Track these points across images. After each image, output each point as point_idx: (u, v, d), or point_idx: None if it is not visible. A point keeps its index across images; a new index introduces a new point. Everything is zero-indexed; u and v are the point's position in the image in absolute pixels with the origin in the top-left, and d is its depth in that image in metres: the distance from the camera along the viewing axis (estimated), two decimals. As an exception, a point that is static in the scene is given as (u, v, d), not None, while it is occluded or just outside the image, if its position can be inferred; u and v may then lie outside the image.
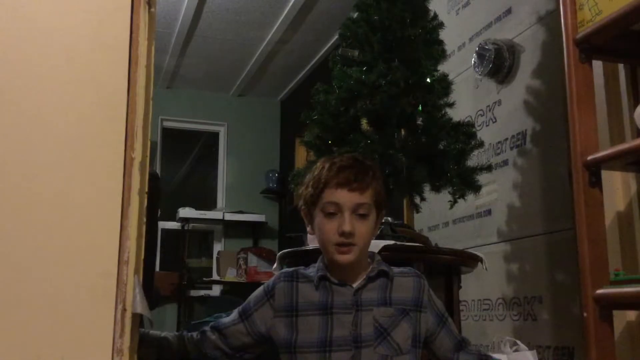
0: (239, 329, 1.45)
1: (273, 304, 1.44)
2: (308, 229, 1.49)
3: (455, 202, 2.22)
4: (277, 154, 6.30)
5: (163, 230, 5.74)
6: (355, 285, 1.42)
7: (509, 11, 2.83)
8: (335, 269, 1.44)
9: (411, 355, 1.39)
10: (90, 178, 1.08)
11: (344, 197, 1.39)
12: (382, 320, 1.39)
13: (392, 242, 1.96)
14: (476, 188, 2.21)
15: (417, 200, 2.24)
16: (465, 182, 2.19)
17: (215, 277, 5.76)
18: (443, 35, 2.33)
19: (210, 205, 6.14)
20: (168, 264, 5.67)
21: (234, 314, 1.48)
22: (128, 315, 1.05)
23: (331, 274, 1.44)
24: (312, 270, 1.48)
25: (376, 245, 1.87)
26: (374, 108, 2.15)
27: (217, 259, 5.78)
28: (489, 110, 2.90)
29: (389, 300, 1.42)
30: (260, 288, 1.48)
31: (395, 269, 1.48)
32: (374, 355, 1.36)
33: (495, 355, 1.57)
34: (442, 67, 2.33)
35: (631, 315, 1.97)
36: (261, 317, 1.44)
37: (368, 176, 1.41)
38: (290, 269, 1.50)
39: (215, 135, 6.29)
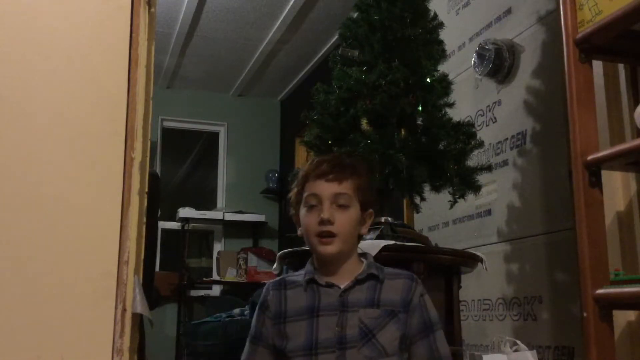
0: (261, 352, 1.46)
1: (269, 315, 1.46)
2: (299, 232, 1.50)
3: (455, 202, 2.22)
4: (277, 154, 6.30)
5: (163, 230, 5.74)
6: (343, 286, 1.42)
7: (509, 11, 2.83)
8: (323, 266, 1.45)
9: (397, 357, 1.38)
10: (90, 178, 1.08)
11: (322, 187, 1.42)
12: (367, 321, 1.38)
13: (392, 242, 1.96)
14: (476, 188, 2.21)
15: (417, 200, 2.24)
16: (465, 182, 2.19)
17: (215, 277, 5.76)
18: (443, 35, 2.33)
19: (210, 205, 6.14)
20: (168, 264, 5.67)
21: (247, 345, 1.50)
22: (128, 315, 1.05)
23: (320, 274, 1.45)
24: (299, 274, 1.49)
25: (376, 245, 1.87)
26: (374, 108, 2.15)
27: (217, 259, 5.78)
28: (489, 110, 2.90)
29: (376, 302, 1.41)
30: (256, 309, 1.51)
31: (390, 270, 1.48)
32: (358, 356, 1.35)
33: (495, 356, 1.56)
34: (442, 67, 2.33)
35: (631, 315, 1.97)
36: (268, 331, 1.46)
37: (346, 169, 1.44)
38: (277, 278, 1.52)
39: (215, 135, 6.29)
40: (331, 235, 1.40)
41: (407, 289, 1.43)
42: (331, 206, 1.40)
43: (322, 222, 1.39)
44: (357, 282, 1.42)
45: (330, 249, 1.40)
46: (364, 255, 1.52)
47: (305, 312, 1.41)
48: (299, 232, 1.49)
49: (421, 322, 1.42)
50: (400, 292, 1.43)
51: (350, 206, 1.42)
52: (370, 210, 1.49)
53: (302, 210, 1.44)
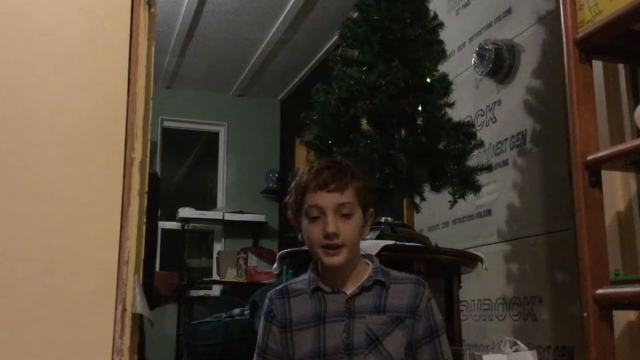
0: None
1: (276, 324, 1.44)
2: (299, 236, 1.49)
3: (455, 202, 2.21)
4: (277, 154, 6.30)
5: (163, 230, 5.73)
6: (349, 292, 1.42)
7: (509, 11, 2.83)
8: (328, 273, 1.44)
9: None
10: (90, 178, 1.08)
11: (324, 198, 1.38)
12: (374, 327, 1.37)
13: (392, 242, 1.96)
14: (476, 188, 2.21)
15: (417, 200, 2.24)
16: (465, 182, 2.19)
17: (215, 277, 5.75)
18: (443, 35, 2.33)
19: (210, 205, 6.13)
20: (168, 264, 5.67)
21: (255, 358, 1.47)
22: (128, 315, 1.05)
23: (324, 281, 1.43)
24: (301, 280, 1.48)
25: (376, 245, 1.87)
26: (374, 108, 2.15)
27: (217, 259, 5.78)
28: (489, 110, 2.90)
29: (382, 308, 1.40)
30: (261, 319, 1.49)
31: (396, 274, 1.47)
32: None
33: (495, 356, 1.56)
34: (442, 67, 2.33)
35: (631, 315, 1.97)
36: (276, 341, 1.44)
37: (346, 176, 1.41)
38: (279, 287, 1.50)
39: (215, 135, 6.29)
40: (337, 246, 1.38)
41: (414, 295, 1.42)
42: (335, 217, 1.38)
43: (328, 235, 1.37)
44: (364, 288, 1.42)
45: (337, 259, 1.38)
46: (368, 257, 1.51)
47: (312, 319, 1.40)
48: (299, 237, 1.48)
49: (427, 327, 1.41)
50: (406, 298, 1.41)
51: (354, 214, 1.40)
52: (371, 210, 1.48)
53: (304, 222, 1.42)
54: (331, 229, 1.36)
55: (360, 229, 1.43)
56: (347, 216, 1.39)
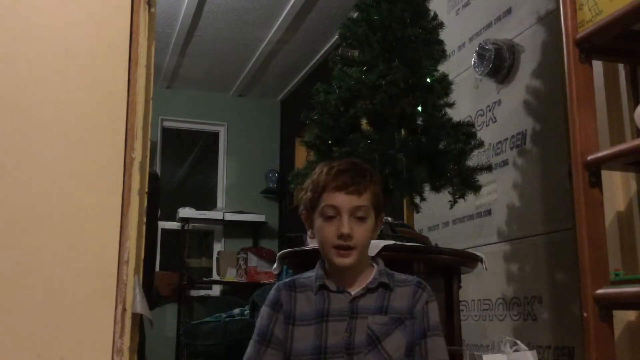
0: (272, 354, 1.44)
1: (282, 313, 1.45)
2: (309, 232, 1.50)
3: (455, 202, 2.22)
4: (277, 154, 6.30)
5: (163, 230, 5.73)
6: (353, 292, 1.43)
7: (509, 11, 2.83)
8: (335, 272, 1.45)
9: None
10: (90, 178, 1.08)
11: (342, 200, 1.40)
12: (375, 327, 1.39)
13: (392, 242, 1.96)
14: (476, 188, 2.21)
15: (417, 200, 2.24)
16: (465, 182, 2.19)
17: (215, 277, 5.76)
18: (443, 35, 2.33)
19: (210, 205, 6.13)
20: (168, 264, 5.67)
21: (253, 346, 1.45)
22: (128, 315, 1.06)
23: (331, 279, 1.45)
24: (309, 276, 1.49)
25: (376, 245, 1.87)
26: (374, 108, 2.15)
27: (217, 259, 5.78)
28: (489, 110, 2.90)
29: (385, 309, 1.42)
30: (265, 308, 1.49)
31: (400, 277, 1.48)
32: None
33: (495, 356, 1.56)
34: (442, 67, 2.33)
35: (631, 315, 1.97)
36: (280, 331, 1.44)
37: (365, 179, 1.43)
38: (287, 279, 1.51)
39: (215, 135, 6.29)
40: (349, 248, 1.40)
41: (413, 296, 1.44)
42: (350, 218, 1.40)
43: (342, 236, 1.38)
44: (368, 290, 1.43)
45: (347, 261, 1.40)
46: (373, 259, 1.52)
47: (315, 316, 1.42)
48: (309, 234, 1.49)
49: (420, 328, 1.42)
50: (406, 300, 1.43)
51: (368, 217, 1.42)
52: (382, 214, 1.50)
53: (319, 220, 1.43)
54: (345, 230, 1.38)
55: (371, 233, 1.45)
56: (361, 219, 1.41)
